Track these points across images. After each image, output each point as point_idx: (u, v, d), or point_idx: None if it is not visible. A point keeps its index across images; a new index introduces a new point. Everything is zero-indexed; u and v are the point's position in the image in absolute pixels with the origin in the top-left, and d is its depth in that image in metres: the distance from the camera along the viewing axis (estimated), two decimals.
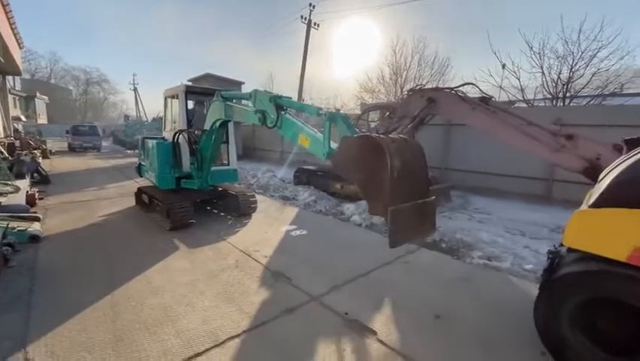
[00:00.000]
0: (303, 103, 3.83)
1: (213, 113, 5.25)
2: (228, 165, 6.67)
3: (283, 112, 3.84)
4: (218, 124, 5.23)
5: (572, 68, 12.41)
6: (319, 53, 70.57)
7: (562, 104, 12.68)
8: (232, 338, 2.72)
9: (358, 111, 14.47)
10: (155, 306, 3.17)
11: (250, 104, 4.46)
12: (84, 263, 4.13)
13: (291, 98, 4.06)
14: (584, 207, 2.52)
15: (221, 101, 5.06)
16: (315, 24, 23.12)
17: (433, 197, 2.74)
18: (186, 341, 2.66)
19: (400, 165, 2.39)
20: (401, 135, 2.70)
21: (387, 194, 2.36)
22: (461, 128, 10.01)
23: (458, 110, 6.39)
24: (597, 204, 2.32)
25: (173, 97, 6.58)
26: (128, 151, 22.68)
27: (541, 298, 2.50)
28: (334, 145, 3.03)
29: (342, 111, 25.52)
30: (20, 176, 8.21)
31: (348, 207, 7.11)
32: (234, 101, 5.09)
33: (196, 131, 5.85)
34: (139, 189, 7.10)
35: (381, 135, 2.59)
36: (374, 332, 2.85)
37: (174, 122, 6.65)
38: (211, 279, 3.80)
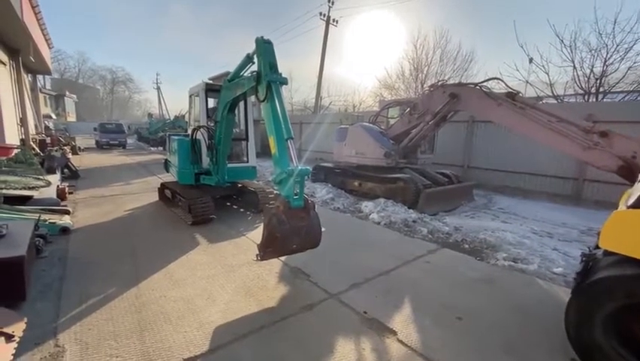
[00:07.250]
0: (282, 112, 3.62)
1: (222, 101, 5.36)
2: (247, 162, 6.74)
3: (274, 90, 3.56)
4: (227, 110, 5.29)
5: (605, 62, 11.76)
6: (338, 50, 70.35)
7: (594, 99, 12.05)
8: (252, 332, 2.74)
9: (377, 108, 14.30)
10: (178, 298, 3.24)
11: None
12: (111, 255, 4.28)
13: (286, 81, 3.73)
14: (622, 207, 2.37)
15: (226, 86, 5.14)
16: (333, 20, 23.00)
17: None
18: (207, 333, 2.70)
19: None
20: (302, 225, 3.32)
21: (269, 255, 3.38)
22: (485, 125, 9.71)
23: (483, 106, 6.21)
24: (638, 205, 2.18)
25: (195, 95, 6.71)
26: (152, 148, 23.36)
27: (573, 302, 2.38)
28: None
29: (358, 109, 25.26)
30: (51, 171, 8.59)
31: (367, 205, 7.04)
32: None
33: (209, 124, 6.00)
34: (162, 184, 7.30)
35: (284, 224, 3.19)
36: (394, 332, 2.80)
37: (197, 120, 6.78)
38: (231, 273, 3.86)
